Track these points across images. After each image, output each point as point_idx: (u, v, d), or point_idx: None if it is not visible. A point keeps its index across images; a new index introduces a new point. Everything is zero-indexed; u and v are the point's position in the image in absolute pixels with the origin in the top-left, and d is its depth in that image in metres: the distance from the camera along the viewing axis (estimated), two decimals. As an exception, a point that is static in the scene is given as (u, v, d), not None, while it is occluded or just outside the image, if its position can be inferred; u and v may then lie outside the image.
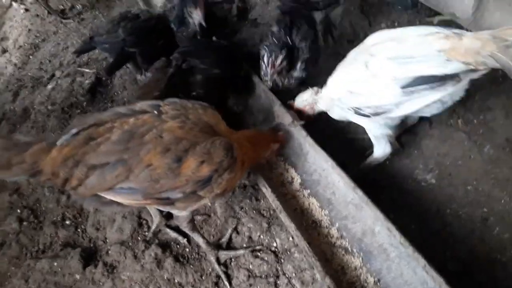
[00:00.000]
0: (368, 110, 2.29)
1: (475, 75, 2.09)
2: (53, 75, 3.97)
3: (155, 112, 1.98)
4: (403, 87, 2.09)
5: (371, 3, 3.98)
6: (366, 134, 2.91)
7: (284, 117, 2.70)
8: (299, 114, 2.72)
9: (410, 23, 3.67)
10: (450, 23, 3.53)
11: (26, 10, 5.05)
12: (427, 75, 2.03)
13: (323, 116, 2.98)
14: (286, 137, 2.65)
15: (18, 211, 2.97)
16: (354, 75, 2.29)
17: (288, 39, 2.87)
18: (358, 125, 2.91)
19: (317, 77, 3.40)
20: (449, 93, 2.12)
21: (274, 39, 2.88)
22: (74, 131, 1.88)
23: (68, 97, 3.57)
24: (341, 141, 2.94)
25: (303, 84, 3.00)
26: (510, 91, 2.83)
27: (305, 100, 2.67)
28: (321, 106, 2.64)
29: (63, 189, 1.92)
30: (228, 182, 1.98)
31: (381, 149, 2.55)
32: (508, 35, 1.89)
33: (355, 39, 3.66)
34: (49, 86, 3.72)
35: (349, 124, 3.00)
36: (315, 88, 2.64)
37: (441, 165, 2.70)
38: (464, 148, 2.72)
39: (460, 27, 3.47)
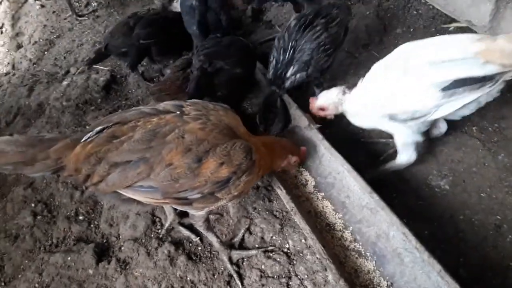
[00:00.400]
0: (404, 116, 2.29)
1: (509, 76, 2.13)
2: (68, 72, 4.01)
3: (178, 112, 2.00)
4: (443, 89, 2.12)
5: (386, 9, 3.99)
6: (380, 138, 2.94)
7: (300, 120, 2.72)
8: (320, 111, 2.65)
9: (426, 28, 3.68)
10: (467, 30, 3.53)
11: (42, 6, 5.09)
12: (466, 77, 2.07)
13: (338, 118, 3.01)
14: (307, 152, 2.63)
15: (32, 205, 3.00)
16: (391, 81, 2.27)
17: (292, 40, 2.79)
18: (372, 129, 2.93)
19: (333, 79, 3.44)
20: (485, 94, 2.17)
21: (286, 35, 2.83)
22: (98, 128, 1.90)
23: (83, 93, 3.60)
24: (355, 144, 2.95)
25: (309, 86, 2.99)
26: (526, 100, 2.83)
27: (330, 98, 2.58)
28: (347, 109, 2.57)
29: (84, 185, 1.93)
30: (246, 185, 1.99)
31: (406, 156, 2.53)
32: None
33: (370, 43, 3.68)
34: (64, 83, 3.75)
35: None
36: (342, 88, 2.56)
37: (455, 171, 2.70)
38: (478, 155, 2.72)
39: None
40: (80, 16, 4.65)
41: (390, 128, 2.47)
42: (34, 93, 3.79)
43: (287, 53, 2.74)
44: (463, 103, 2.17)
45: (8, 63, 4.65)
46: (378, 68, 2.40)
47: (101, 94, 3.63)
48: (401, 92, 2.23)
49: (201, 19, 3.07)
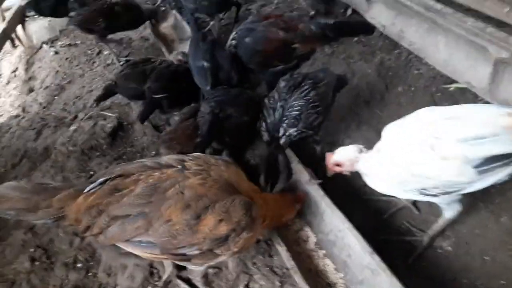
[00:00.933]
0: (435, 190, 2.22)
1: None
2: (76, 117, 4.09)
3: (180, 167, 2.03)
4: (476, 167, 2.07)
5: (387, 67, 4.12)
6: (382, 195, 2.94)
7: (301, 174, 2.74)
8: (336, 166, 2.55)
9: (427, 88, 3.78)
10: (467, 92, 3.63)
11: (56, 53, 5.28)
12: (499, 154, 2.04)
13: (340, 174, 3.03)
14: (306, 194, 2.66)
15: (31, 250, 2.96)
16: (418, 158, 2.17)
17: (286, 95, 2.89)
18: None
19: (334, 134, 3.49)
20: None
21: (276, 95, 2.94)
22: (101, 180, 1.93)
23: (89, 139, 3.66)
24: (357, 200, 2.95)
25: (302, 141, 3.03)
26: (527, 162, 2.85)
27: (347, 155, 2.49)
28: (362, 169, 2.47)
29: (83, 235, 1.94)
30: (246, 241, 1.99)
31: (452, 212, 2.47)
32: None
33: (371, 100, 3.76)
34: (72, 128, 3.82)
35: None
36: (359, 146, 2.49)
37: (458, 232, 2.68)
38: (480, 216, 2.72)
39: (475, 96, 3.57)
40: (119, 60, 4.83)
41: (423, 200, 2.40)
42: (42, 137, 3.85)
43: (277, 112, 2.84)
44: (497, 178, 2.14)
45: (19, 106, 4.77)
46: (398, 135, 2.32)
47: (107, 141, 3.68)
48: (432, 169, 2.14)
49: (213, 80, 3.16)
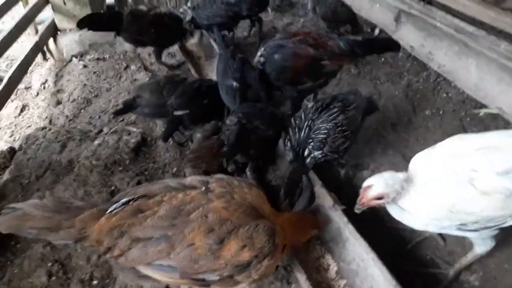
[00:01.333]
0: (475, 226, 2.11)
1: None
2: (101, 131, 4.13)
3: (204, 188, 2.00)
4: None
5: (415, 89, 4.03)
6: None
7: (325, 199, 2.68)
8: (376, 200, 2.22)
9: (456, 112, 3.68)
10: (497, 117, 3.51)
11: (85, 66, 5.38)
12: None
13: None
14: (325, 222, 2.59)
15: (49, 264, 2.97)
16: (457, 195, 2.05)
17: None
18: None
19: (359, 157, 3.41)
20: None
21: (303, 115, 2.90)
22: (124, 200, 1.92)
23: (113, 154, 3.68)
24: (381, 229, 2.85)
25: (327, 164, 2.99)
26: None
27: (391, 185, 2.17)
28: (404, 204, 2.22)
29: (105, 257, 1.92)
30: (267, 268, 1.93)
31: (485, 247, 2.34)
32: None
33: (398, 123, 3.68)
34: (96, 142, 3.86)
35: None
36: (406, 175, 2.22)
37: (486, 267, 2.56)
38: (509, 250, 2.60)
39: (507, 122, 3.45)
40: (150, 70, 4.95)
41: (461, 234, 2.26)
42: (66, 150, 3.90)
43: (303, 132, 2.78)
44: None
45: (46, 118, 4.86)
46: (430, 168, 2.19)
47: (130, 156, 3.70)
48: (473, 205, 2.03)
49: (242, 100, 3.16)
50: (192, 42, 4.85)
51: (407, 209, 2.20)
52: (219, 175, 2.17)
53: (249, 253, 1.86)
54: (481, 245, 2.33)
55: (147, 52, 5.21)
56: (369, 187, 2.20)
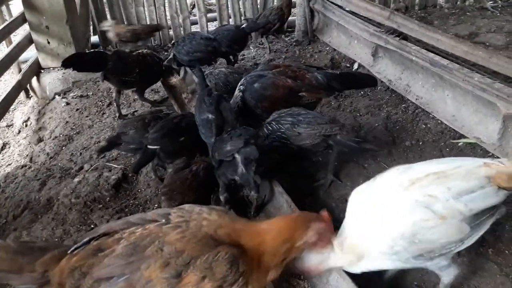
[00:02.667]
0: (430, 255, 2.08)
1: None
2: (81, 168, 4.08)
3: (163, 220, 1.93)
4: (470, 223, 2.03)
5: (394, 121, 4.10)
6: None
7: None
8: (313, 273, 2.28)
9: (435, 143, 3.73)
10: (476, 147, 3.57)
11: (67, 103, 5.38)
12: (488, 206, 2.05)
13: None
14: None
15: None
16: (416, 222, 1.99)
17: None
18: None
19: (341, 189, 3.40)
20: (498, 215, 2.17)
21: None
22: (85, 240, 1.86)
23: (93, 191, 3.62)
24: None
25: None
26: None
27: (314, 259, 2.17)
28: (340, 262, 2.18)
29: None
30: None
31: (449, 275, 2.30)
32: None
33: (379, 155, 3.70)
34: (76, 179, 3.80)
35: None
36: (339, 240, 2.17)
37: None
38: (496, 281, 2.57)
39: (485, 151, 3.50)
40: (123, 117, 4.90)
41: (414, 266, 2.22)
42: (46, 188, 3.82)
43: None
44: (484, 230, 2.13)
45: (27, 155, 4.78)
46: (375, 202, 2.12)
47: (110, 193, 3.64)
48: (430, 233, 1.99)
49: (218, 132, 3.17)
50: (175, 79, 4.90)
51: (359, 258, 2.12)
52: (182, 206, 2.09)
53: (211, 283, 1.75)
54: (445, 275, 2.30)
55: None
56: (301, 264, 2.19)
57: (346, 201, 3.25)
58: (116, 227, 1.94)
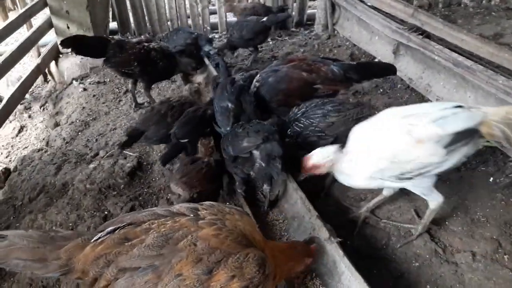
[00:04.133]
0: (410, 174, 2.48)
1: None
2: (97, 154, 4.11)
3: (192, 215, 1.96)
4: (446, 146, 2.37)
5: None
6: (402, 254, 2.78)
7: (320, 231, 2.62)
8: (314, 168, 2.72)
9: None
10: (496, 150, 3.50)
11: (84, 89, 5.41)
12: (462, 130, 2.35)
13: (362, 230, 2.89)
14: (318, 251, 2.50)
15: (36, 291, 2.89)
16: (398, 145, 2.44)
17: None
18: (396, 247, 2.80)
19: (353, 188, 3.36)
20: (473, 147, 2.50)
21: None
22: (110, 228, 1.86)
23: (108, 178, 3.64)
24: (377, 259, 2.79)
25: None
26: None
27: (326, 156, 2.67)
28: (343, 169, 2.67)
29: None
30: (258, 300, 1.86)
31: (435, 200, 2.68)
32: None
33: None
34: (91, 165, 3.82)
35: (387, 244, 2.88)
36: (336, 146, 2.69)
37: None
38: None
39: (506, 156, 3.43)
40: (139, 106, 4.88)
41: (399, 186, 2.69)
42: (61, 172, 3.86)
43: None
44: (460, 156, 2.45)
45: (43, 139, 4.84)
46: (371, 130, 2.60)
47: (125, 180, 3.65)
48: (408, 154, 2.42)
49: (235, 121, 3.16)
50: (197, 76, 4.87)
51: (354, 170, 2.61)
52: (208, 202, 2.12)
53: (239, 283, 1.79)
54: (432, 201, 2.69)
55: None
56: (307, 158, 2.73)
57: (360, 200, 3.29)
58: (142, 218, 1.95)
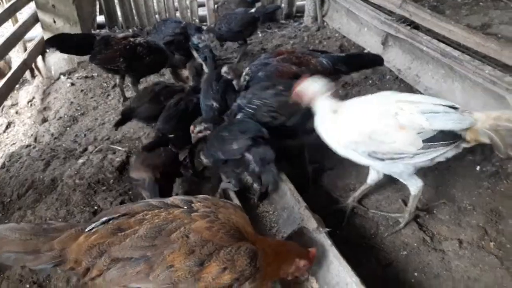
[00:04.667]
0: (383, 156, 2.52)
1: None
2: (86, 149, 4.08)
3: (186, 207, 1.97)
4: (425, 141, 2.39)
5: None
6: (390, 243, 2.81)
7: (309, 221, 2.63)
8: (299, 95, 2.71)
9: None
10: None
11: (72, 84, 5.36)
12: (447, 130, 2.37)
13: (351, 220, 2.93)
14: (316, 255, 2.38)
15: (27, 286, 2.87)
16: (379, 125, 2.47)
17: None
18: (384, 236, 2.83)
19: (345, 179, 3.38)
20: (453, 151, 2.52)
21: None
22: (104, 219, 1.88)
23: (97, 173, 3.62)
24: (366, 249, 2.82)
25: None
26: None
27: (318, 88, 2.65)
28: (319, 111, 2.66)
29: (82, 280, 1.85)
30: (249, 292, 1.88)
31: (414, 185, 2.72)
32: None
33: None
34: (80, 160, 3.80)
35: (375, 233, 2.91)
36: (330, 86, 2.68)
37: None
38: (496, 274, 2.57)
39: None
40: (127, 100, 4.82)
41: (368, 163, 2.70)
42: (50, 168, 3.83)
43: None
44: (435, 155, 2.46)
45: (31, 135, 4.79)
46: (362, 103, 2.66)
47: (114, 175, 3.64)
48: (387, 135, 2.45)
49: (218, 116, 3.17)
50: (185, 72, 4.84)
51: (329, 125, 2.63)
52: (203, 196, 2.14)
53: (230, 275, 1.81)
54: (411, 186, 2.72)
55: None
56: (298, 83, 2.72)
57: (350, 190, 3.31)
58: (137, 209, 1.96)
